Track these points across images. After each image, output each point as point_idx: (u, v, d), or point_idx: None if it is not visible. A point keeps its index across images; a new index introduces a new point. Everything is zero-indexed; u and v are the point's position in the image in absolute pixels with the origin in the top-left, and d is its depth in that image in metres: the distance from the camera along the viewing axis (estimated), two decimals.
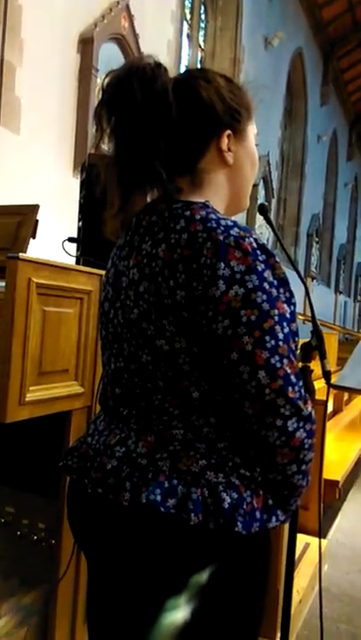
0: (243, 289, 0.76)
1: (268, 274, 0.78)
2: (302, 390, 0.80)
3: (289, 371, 0.78)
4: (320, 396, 1.43)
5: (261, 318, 0.76)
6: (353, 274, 18.80)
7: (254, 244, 0.79)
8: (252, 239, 0.79)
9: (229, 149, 0.91)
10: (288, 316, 0.79)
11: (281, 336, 0.77)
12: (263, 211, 1.10)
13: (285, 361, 0.77)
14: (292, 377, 0.78)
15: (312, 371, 1.14)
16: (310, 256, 13.35)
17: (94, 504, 0.85)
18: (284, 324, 0.78)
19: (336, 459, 3.38)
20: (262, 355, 0.76)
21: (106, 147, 0.90)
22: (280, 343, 0.77)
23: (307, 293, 1.18)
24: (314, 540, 2.56)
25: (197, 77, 0.90)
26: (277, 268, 0.81)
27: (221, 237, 0.78)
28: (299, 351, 1.10)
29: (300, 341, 1.11)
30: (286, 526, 1.46)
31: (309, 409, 0.80)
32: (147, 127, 0.83)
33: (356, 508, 3.68)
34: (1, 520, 1.58)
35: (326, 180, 14.93)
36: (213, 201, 0.88)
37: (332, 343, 5.15)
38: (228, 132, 0.91)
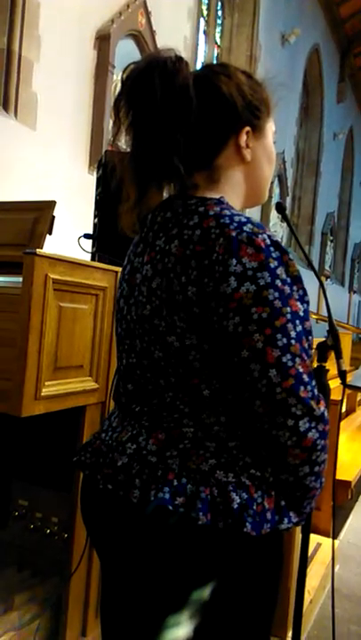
0: (254, 286, 0.75)
1: (280, 271, 0.77)
2: (315, 390, 0.78)
3: (301, 370, 0.76)
4: (335, 396, 1.42)
5: (273, 316, 0.75)
6: None
7: (268, 241, 0.78)
8: (265, 235, 0.78)
9: (248, 146, 0.90)
10: (301, 314, 0.78)
11: (293, 334, 0.76)
12: (281, 209, 1.09)
13: (298, 360, 0.76)
14: (305, 376, 0.77)
15: (328, 370, 1.14)
16: (324, 255, 13.24)
17: (105, 500, 0.85)
18: (297, 322, 0.77)
19: (348, 459, 3.35)
20: (273, 353, 0.75)
21: (123, 141, 0.89)
22: (292, 341, 0.76)
23: (324, 293, 1.18)
24: (325, 541, 2.55)
25: (218, 73, 0.89)
26: (291, 266, 0.79)
27: (234, 233, 0.77)
28: (314, 350, 1.09)
29: (315, 341, 1.11)
30: (299, 526, 1.45)
31: (322, 409, 0.78)
32: (166, 121, 0.82)
33: None
34: (15, 513, 1.59)
35: (342, 178, 14.80)
36: (230, 197, 0.87)
37: (346, 343, 5.11)
38: (248, 128, 0.90)
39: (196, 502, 0.76)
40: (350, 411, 4.81)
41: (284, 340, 0.76)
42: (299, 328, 0.77)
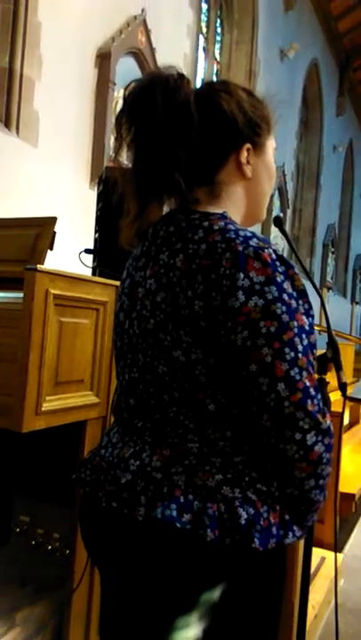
0: (262, 300, 0.76)
1: (287, 285, 0.78)
2: (321, 403, 0.79)
3: (308, 383, 0.77)
4: (336, 408, 1.42)
5: (281, 330, 0.76)
6: None
7: (273, 255, 0.79)
8: (271, 250, 0.79)
9: (248, 162, 0.91)
10: (307, 328, 0.79)
11: (300, 348, 0.77)
12: (278, 223, 1.10)
13: (305, 373, 0.77)
14: (311, 390, 0.77)
15: (328, 383, 1.14)
16: (326, 266, 13.26)
17: (108, 518, 0.84)
18: (303, 335, 0.78)
19: (352, 471, 3.33)
20: (282, 367, 0.76)
21: (124, 156, 0.90)
22: (299, 355, 0.77)
23: (322, 305, 1.18)
24: (330, 554, 2.53)
25: (219, 90, 0.91)
26: (296, 280, 0.80)
27: (240, 248, 0.78)
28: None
29: (317, 353, 1.11)
30: (302, 540, 1.44)
31: (328, 422, 0.79)
32: (168, 138, 0.84)
33: None
34: (16, 529, 1.59)
35: (342, 191, 14.87)
36: (231, 212, 0.88)
37: (348, 354, 5.10)
38: (248, 145, 0.91)
39: (204, 519, 0.76)
40: (354, 423, 4.79)
41: (292, 354, 0.76)
42: (305, 342, 0.78)
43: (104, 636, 0.95)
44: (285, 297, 0.77)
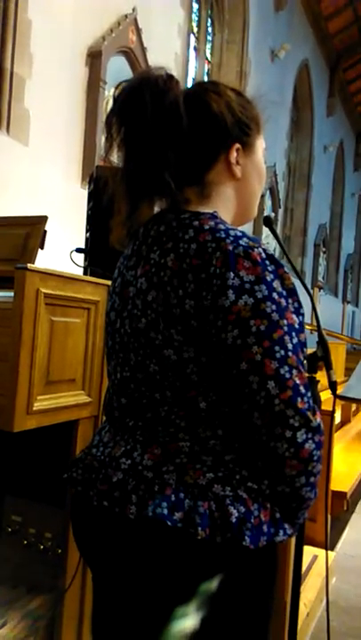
0: (252, 299, 0.77)
1: (277, 284, 0.79)
2: (311, 401, 0.79)
3: (298, 381, 0.77)
4: (327, 406, 1.43)
5: (271, 328, 0.77)
6: (360, 283, 18.76)
7: (263, 255, 0.79)
8: (260, 249, 0.80)
9: (238, 162, 0.92)
10: (297, 326, 0.80)
11: (290, 346, 0.77)
12: (268, 223, 1.11)
13: (295, 371, 0.77)
14: (301, 388, 0.78)
15: (318, 381, 1.14)
16: (318, 266, 13.33)
17: (100, 517, 0.84)
18: (293, 334, 0.78)
19: (344, 470, 3.35)
20: (272, 365, 0.76)
21: (115, 156, 0.91)
22: (289, 354, 0.77)
23: (313, 304, 1.19)
24: (322, 553, 2.54)
25: (208, 90, 0.91)
26: (286, 279, 0.81)
27: (231, 247, 0.78)
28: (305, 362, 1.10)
29: (308, 351, 1.12)
30: (293, 538, 1.45)
31: (318, 420, 0.79)
32: (157, 138, 0.84)
33: None
34: (8, 529, 1.58)
35: (333, 191, 14.95)
36: (221, 212, 0.89)
37: (339, 353, 5.13)
38: (238, 145, 0.91)
39: (195, 517, 0.76)
40: (345, 421, 4.81)
41: (282, 352, 0.77)
42: (295, 340, 0.79)
43: (96, 635, 0.95)
44: (275, 296, 0.78)
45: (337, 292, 15.59)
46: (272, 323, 0.77)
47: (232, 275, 0.77)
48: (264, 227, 1.09)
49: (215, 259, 0.78)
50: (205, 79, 7.91)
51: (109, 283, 1.47)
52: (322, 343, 1.10)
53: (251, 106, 0.95)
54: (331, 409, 1.35)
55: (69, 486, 0.94)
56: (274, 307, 0.77)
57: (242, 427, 0.80)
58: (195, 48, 8.12)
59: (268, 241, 9.40)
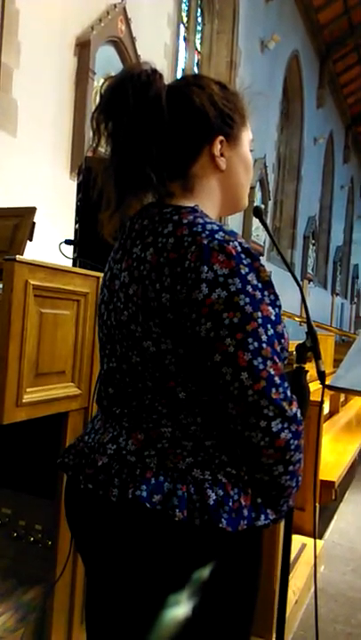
0: (225, 292, 0.77)
1: (251, 277, 0.79)
2: (288, 391, 0.80)
3: (273, 372, 0.78)
4: (316, 397, 1.44)
5: (244, 320, 0.77)
6: (349, 276, 18.85)
7: (238, 248, 0.80)
8: (236, 243, 0.80)
9: (222, 155, 0.92)
10: (273, 318, 0.81)
11: (265, 338, 0.78)
12: (258, 213, 1.11)
13: (269, 362, 0.78)
14: (276, 378, 0.79)
15: (307, 372, 1.15)
16: (307, 258, 13.37)
17: (86, 500, 0.87)
18: (268, 326, 0.79)
19: (332, 460, 3.38)
20: (245, 356, 0.77)
21: (103, 149, 0.91)
22: (263, 345, 0.78)
23: (302, 296, 1.19)
24: (310, 541, 2.57)
25: (191, 84, 0.92)
26: (262, 272, 0.82)
27: (205, 241, 0.79)
28: (293, 352, 1.11)
29: (297, 342, 1.13)
30: (282, 527, 1.47)
31: (294, 410, 0.80)
32: (139, 132, 0.85)
33: (352, 508, 3.68)
34: None
35: (323, 183, 14.97)
36: (205, 205, 0.90)
37: (328, 345, 5.16)
38: (221, 137, 0.92)
39: (173, 499, 0.78)
40: (334, 412, 4.85)
41: (256, 344, 0.78)
42: (270, 332, 0.79)
43: (90, 619, 0.97)
44: (249, 288, 0.78)
45: (326, 285, 15.65)
46: (245, 315, 0.77)
47: (206, 268, 0.78)
48: (254, 218, 1.10)
49: (190, 253, 0.79)
50: (195, 69, 7.88)
51: (99, 274, 1.46)
52: (311, 333, 1.10)
53: (236, 98, 0.95)
54: (320, 399, 1.36)
55: (61, 471, 0.96)
56: (248, 299, 0.78)
57: (220, 416, 0.82)
58: (184, 38, 8.06)
59: (258, 233, 9.42)
